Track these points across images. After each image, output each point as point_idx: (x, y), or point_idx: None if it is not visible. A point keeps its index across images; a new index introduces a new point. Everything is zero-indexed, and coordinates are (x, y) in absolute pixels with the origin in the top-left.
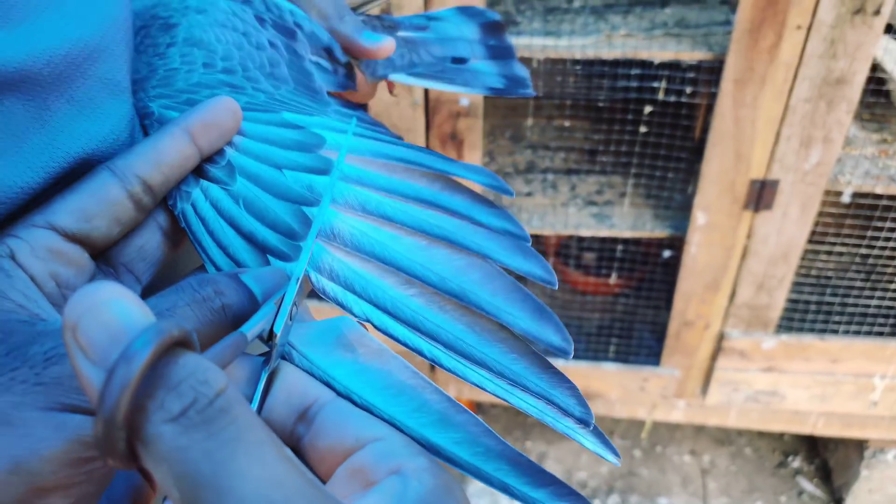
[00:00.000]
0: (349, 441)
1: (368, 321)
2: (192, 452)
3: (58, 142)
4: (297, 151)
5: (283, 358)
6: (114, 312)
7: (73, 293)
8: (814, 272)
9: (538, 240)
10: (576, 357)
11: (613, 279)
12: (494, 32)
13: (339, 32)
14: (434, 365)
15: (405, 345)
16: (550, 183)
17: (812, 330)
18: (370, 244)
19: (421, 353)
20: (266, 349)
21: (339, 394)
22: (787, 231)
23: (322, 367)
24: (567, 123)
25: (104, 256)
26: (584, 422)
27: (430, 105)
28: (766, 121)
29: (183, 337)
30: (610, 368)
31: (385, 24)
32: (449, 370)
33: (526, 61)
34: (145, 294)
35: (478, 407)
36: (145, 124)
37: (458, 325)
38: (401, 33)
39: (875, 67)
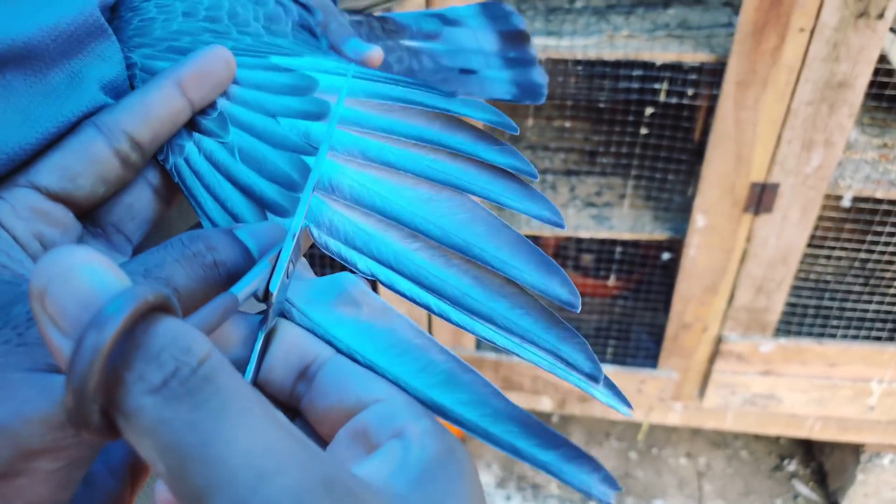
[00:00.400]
0: (350, 401)
1: (374, 276)
2: (176, 424)
3: (63, 110)
4: (290, 96)
5: (283, 316)
6: (84, 278)
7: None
8: (812, 276)
9: (536, 241)
10: None
11: (612, 281)
12: (516, 43)
13: None
14: (445, 321)
15: (412, 300)
16: (550, 184)
17: (810, 334)
18: (370, 196)
19: (429, 309)
20: (263, 308)
21: (341, 353)
22: (786, 234)
23: (324, 326)
24: (568, 124)
25: (92, 216)
26: (592, 377)
27: None
28: (767, 123)
29: (161, 302)
30: (607, 370)
31: (387, 27)
32: (457, 325)
33: None
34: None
35: None
36: (129, 75)
37: (463, 280)
38: (405, 42)
39: (878, 71)
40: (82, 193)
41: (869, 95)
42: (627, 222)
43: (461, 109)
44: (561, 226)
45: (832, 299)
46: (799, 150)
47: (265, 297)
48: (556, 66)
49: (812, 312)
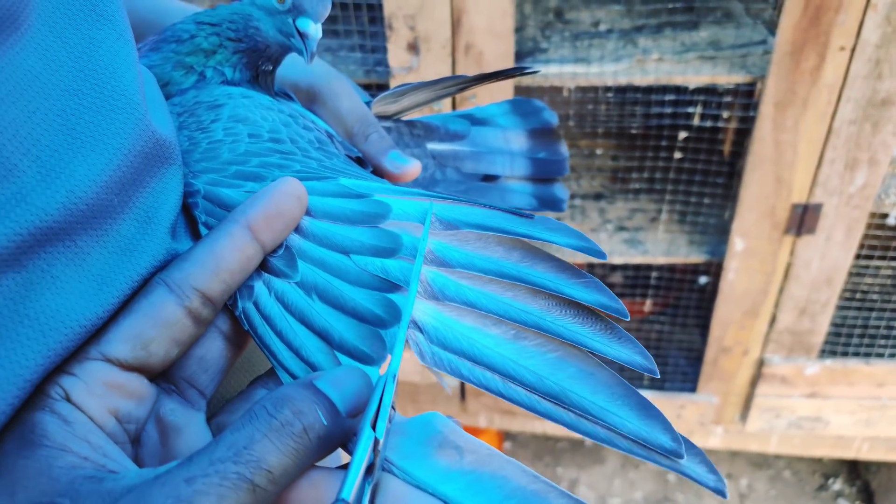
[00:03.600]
0: None
1: (490, 391)
2: None
3: (138, 266)
4: (362, 227)
5: (384, 470)
6: None
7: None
8: (858, 295)
9: None
10: None
11: (648, 307)
12: (546, 141)
13: (364, 153)
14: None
15: (529, 409)
16: (580, 209)
17: (857, 354)
18: (456, 339)
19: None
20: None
21: None
22: (830, 255)
23: (430, 484)
24: (599, 151)
25: (163, 373)
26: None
27: None
28: (807, 144)
29: None
30: (645, 395)
31: (416, 132)
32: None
33: (556, 90)
34: (213, 404)
35: (506, 435)
36: (189, 203)
37: (564, 416)
38: (432, 145)
39: None
40: (156, 360)
41: None
42: (662, 246)
43: (543, 235)
44: (654, 372)
45: (879, 318)
46: (842, 169)
47: (374, 449)
48: (586, 94)
49: (859, 332)
